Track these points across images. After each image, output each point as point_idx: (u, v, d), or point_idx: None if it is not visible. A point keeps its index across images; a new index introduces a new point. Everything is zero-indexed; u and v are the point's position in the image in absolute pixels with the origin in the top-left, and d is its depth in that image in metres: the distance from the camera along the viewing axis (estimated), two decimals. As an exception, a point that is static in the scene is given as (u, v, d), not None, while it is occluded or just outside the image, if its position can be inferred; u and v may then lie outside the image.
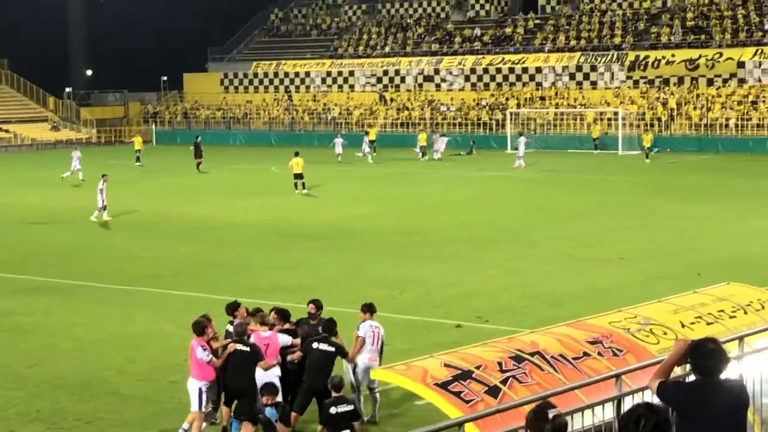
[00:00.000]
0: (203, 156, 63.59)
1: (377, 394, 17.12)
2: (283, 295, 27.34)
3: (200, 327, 16.38)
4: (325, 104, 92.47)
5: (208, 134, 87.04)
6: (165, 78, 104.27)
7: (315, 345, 16.34)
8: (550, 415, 7.70)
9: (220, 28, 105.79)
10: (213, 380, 16.31)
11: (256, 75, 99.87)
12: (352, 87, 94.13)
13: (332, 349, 16.34)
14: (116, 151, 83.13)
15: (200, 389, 16.14)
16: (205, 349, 16.11)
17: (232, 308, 17.70)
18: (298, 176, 50.27)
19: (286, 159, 67.61)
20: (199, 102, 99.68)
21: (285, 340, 16.75)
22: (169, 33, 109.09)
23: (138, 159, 69.40)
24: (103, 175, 41.84)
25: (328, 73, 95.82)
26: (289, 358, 16.62)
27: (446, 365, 11.42)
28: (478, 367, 11.36)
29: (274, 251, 34.16)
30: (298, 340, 16.86)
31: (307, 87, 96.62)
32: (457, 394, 10.89)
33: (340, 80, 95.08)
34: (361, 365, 16.87)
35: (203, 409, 16.21)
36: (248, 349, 16.10)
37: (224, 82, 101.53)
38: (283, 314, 17.36)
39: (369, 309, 17.40)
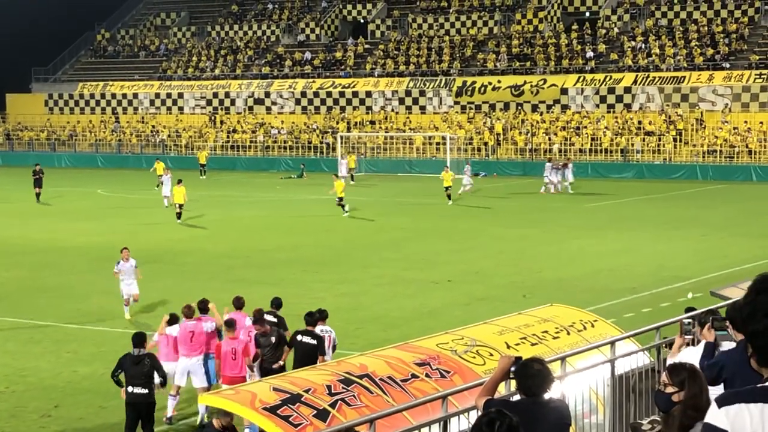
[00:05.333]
0: (43, 185, 57.81)
1: None
2: (108, 320, 26.86)
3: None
4: (153, 126, 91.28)
5: (32, 156, 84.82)
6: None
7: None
8: None
9: (45, 48, 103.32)
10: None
11: (82, 96, 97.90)
12: (181, 109, 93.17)
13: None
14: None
15: None
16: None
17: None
18: (180, 205, 47.46)
19: (112, 181, 66.14)
20: (23, 123, 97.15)
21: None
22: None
23: None
24: None
25: (157, 95, 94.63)
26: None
27: (275, 389, 11.36)
28: (307, 391, 11.33)
29: (100, 276, 33.44)
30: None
31: (135, 109, 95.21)
32: (286, 418, 10.84)
33: (168, 102, 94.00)
34: None
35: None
36: None
37: (49, 103, 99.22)
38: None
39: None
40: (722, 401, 4.59)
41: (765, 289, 4.58)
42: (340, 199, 49.91)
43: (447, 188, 54.28)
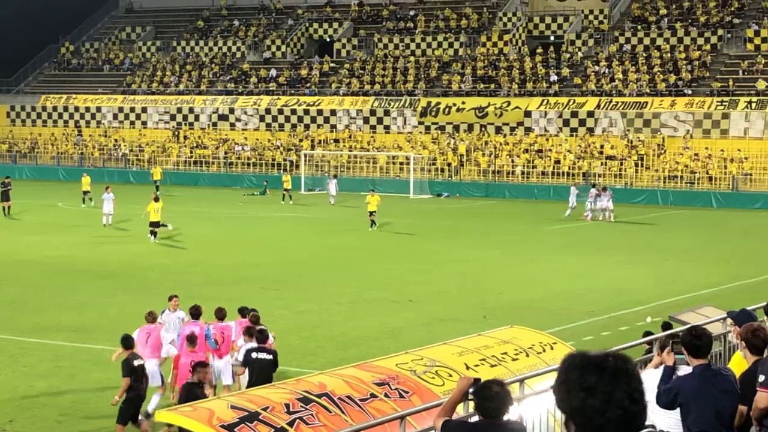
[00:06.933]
0: (11, 199, 56.14)
1: None
2: (66, 334, 26.65)
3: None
4: (116, 140, 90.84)
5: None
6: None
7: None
8: None
9: (8, 59, 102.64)
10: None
11: (44, 108, 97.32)
12: (144, 123, 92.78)
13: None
14: None
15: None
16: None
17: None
18: (154, 224, 45.61)
19: (73, 194, 65.55)
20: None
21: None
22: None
23: None
24: None
25: (120, 109, 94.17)
26: None
27: (233, 407, 11.31)
28: (265, 409, 11.29)
29: (59, 290, 33.21)
30: None
31: (98, 122, 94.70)
32: (243, 437, 10.78)
33: (132, 116, 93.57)
34: None
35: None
36: None
37: (11, 114, 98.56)
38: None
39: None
40: None
41: (575, 366, 4.42)
42: (156, 223, 45.84)
43: (371, 213, 51.27)
